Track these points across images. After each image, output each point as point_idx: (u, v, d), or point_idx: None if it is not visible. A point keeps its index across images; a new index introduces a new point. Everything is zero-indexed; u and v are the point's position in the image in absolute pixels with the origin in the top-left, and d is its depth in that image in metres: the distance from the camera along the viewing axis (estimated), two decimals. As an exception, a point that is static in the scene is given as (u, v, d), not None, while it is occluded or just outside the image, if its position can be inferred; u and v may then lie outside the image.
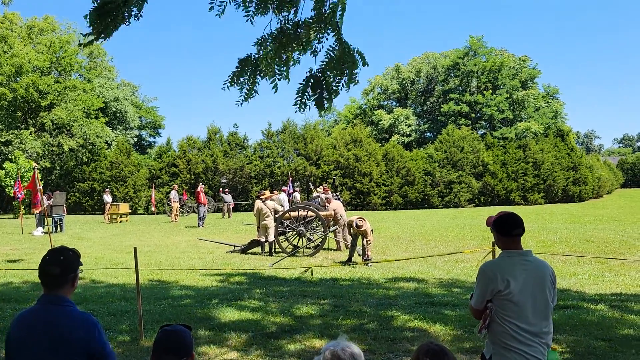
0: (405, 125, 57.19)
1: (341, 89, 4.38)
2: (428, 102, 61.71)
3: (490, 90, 55.28)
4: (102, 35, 4.30)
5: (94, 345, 2.66)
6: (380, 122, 58.07)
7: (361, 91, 65.42)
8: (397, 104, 62.30)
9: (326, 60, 4.26)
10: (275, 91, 4.33)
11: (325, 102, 4.43)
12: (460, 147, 41.37)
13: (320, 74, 4.36)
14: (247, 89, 4.35)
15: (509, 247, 3.44)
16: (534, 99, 56.15)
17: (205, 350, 6.09)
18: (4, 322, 7.37)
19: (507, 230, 3.44)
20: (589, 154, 70.91)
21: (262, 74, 4.30)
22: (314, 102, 4.39)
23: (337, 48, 4.22)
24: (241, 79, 4.32)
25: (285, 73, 4.35)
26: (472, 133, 44.44)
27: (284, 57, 4.30)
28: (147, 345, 6.28)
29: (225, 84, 4.29)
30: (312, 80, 4.37)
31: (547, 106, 57.72)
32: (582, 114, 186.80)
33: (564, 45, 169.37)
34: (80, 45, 4.59)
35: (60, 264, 2.77)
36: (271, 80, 4.27)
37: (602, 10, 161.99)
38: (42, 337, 2.66)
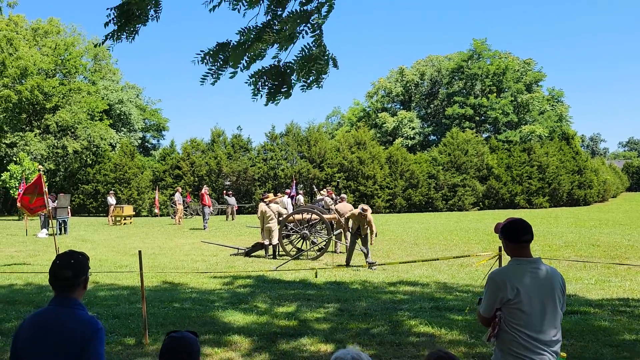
0: (409, 128, 57.15)
1: (304, 89, 4.38)
2: (432, 105, 61.68)
3: (495, 94, 55.19)
4: (126, 36, 4.34)
5: (86, 348, 2.67)
6: (384, 125, 58.04)
7: (365, 94, 65.51)
8: (401, 107, 62.28)
9: (300, 56, 4.24)
10: (232, 77, 4.32)
11: (280, 95, 4.42)
12: (464, 150, 41.30)
13: (286, 68, 4.35)
14: (214, 71, 4.35)
15: (518, 254, 3.40)
16: (539, 102, 56.04)
17: (210, 354, 6.07)
18: (7, 325, 7.35)
19: (516, 236, 3.40)
20: (594, 157, 70.72)
21: (232, 63, 4.28)
22: (266, 91, 4.39)
23: (314, 48, 4.20)
24: (212, 60, 4.30)
25: (247, 63, 4.35)
26: (477, 136, 44.39)
27: (257, 51, 4.29)
28: (151, 348, 6.26)
29: (196, 57, 4.27)
30: (274, 71, 4.36)
31: (551, 109, 57.62)
32: (587, 117, 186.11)
33: (569, 48, 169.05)
34: (98, 45, 4.62)
35: (72, 268, 2.82)
36: (233, 68, 4.27)
37: (607, 13, 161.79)
38: (50, 338, 2.70)
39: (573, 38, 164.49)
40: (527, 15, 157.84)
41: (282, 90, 4.38)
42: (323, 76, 4.29)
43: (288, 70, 4.32)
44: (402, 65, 63.01)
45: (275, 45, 4.21)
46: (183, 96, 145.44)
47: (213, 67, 4.28)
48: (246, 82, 4.30)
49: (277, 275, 11.51)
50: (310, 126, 41.56)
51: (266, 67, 4.34)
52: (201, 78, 4.30)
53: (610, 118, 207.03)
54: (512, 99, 55.00)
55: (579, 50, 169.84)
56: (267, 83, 4.35)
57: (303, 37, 4.13)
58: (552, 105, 58.83)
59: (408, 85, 61.35)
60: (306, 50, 4.20)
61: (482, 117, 55.92)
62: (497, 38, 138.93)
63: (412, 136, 56.94)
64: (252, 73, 4.31)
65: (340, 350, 2.41)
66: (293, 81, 4.38)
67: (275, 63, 4.33)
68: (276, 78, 4.32)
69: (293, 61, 4.28)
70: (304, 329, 7.10)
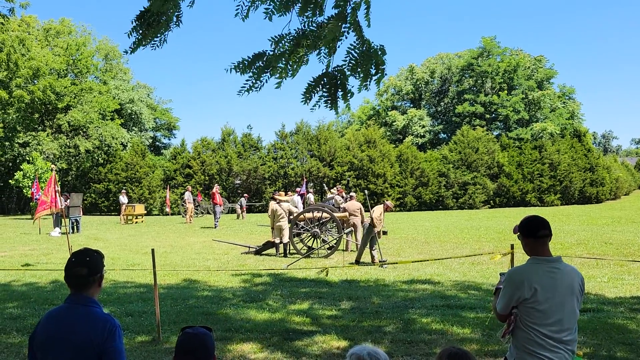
0: (419, 126, 57.01)
1: (367, 87, 4.33)
2: (442, 103, 61.47)
3: (506, 91, 54.90)
4: (149, 44, 4.37)
5: (107, 346, 2.71)
6: (394, 123, 57.94)
7: (375, 92, 65.39)
8: (411, 105, 62.12)
9: (347, 59, 4.21)
10: (278, 87, 4.31)
11: (341, 100, 4.38)
12: (475, 148, 41.13)
13: (337, 73, 4.32)
14: (252, 82, 4.35)
15: (537, 252, 3.36)
16: (550, 99, 55.69)
17: (224, 350, 6.10)
18: (23, 322, 7.45)
19: (532, 231, 3.36)
20: (606, 154, 70.14)
21: (271, 72, 4.28)
22: (324, 102, 4.35)
23: (358, 46, 4.18)
24: (248, 71, 4.31)
25: (292, 72, 4.33)
26: (487, 134, 44.19)
27: (299, 57, 4.27)
28: (165, 346, 6.31)
29: (230, 66, 4.27)
30: (325, 79, 4.33)
31: (563, 107, 57.25)
32: (600, 114, 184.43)
33: (581, 44, 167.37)
34: (126, 52, 4.62)
35: (87, 265, 2.84)
36: (277, 78, 4.26)
37: (618, 9, 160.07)
38: (67, 336, 2.73)
39: (584, 34, 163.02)
40: (538, 12, 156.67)
41: (339, 95, 4.35)
42: (382, 67, 4.24)
43: (340, 75, 4.29)
44: (412, 63, 62.89)
45: (319, 51, 4.18)
46: (193, 96, 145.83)
47: (252, 78, 4.28)
48: (301, 101, 4.29)
49: (288, 274, 11.55)
50: (320, 125, 41.62)
51: (316, 77, 4.31)
52: (239, 89, 4.32)
53: (623, 115, 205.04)
54: (523, 96, 54.69)
55: (591, 47, 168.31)
56: (321, 93, 4.31)
57: (346, 38, 4.12)
58: (564, 102, 58.46)
59: (418, 83, 61.18)
60: (352, 52, 4.18)
61: (493, 115, 55.66)
62: (509, 35, 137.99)
63: (422, 134, 56.79)
64: (305, 89, 4.29)
65: (356, 347, 2.43)
66: (352, 85, 4.35)
67: (325, 70, 4.31)
68: (330, 85, 4.29)
69: (342, 63, 4.26)
70: (316, 326, 7.12)
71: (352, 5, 4.04)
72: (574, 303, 3.30)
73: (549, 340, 3.22)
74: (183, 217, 29.44)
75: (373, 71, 4.24)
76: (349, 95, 4.39)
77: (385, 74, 4.30)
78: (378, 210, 13.17)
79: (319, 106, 4.37)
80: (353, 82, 4.36)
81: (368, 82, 4.29)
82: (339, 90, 4.34)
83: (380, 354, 2.36)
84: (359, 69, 4.20)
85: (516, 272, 3.40)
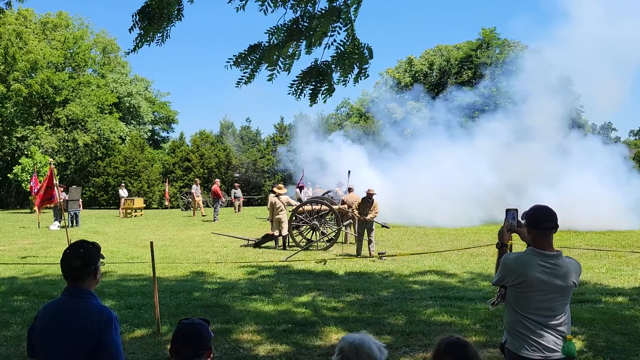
0: (418, 118, 56.87)
1: (347, 84, 4.36)
2: (441, 95, 61.31)
3: (504, 83, 54.76)
4: (153, 39, 4.36)
5: (102, 338, 2.71)
6: (393, 116, 57.79)
7: (373, 84, 65.19)
8: (410, 97, 61.93)
9: (335, 55, 4.22)
10: (269, 80, 4.34)
11: (321, 95, 4.41)
12: (473, 140, 41.08)
13: (324, 67, 4.33)
14: (249, 73, 4.37)
15: (537, 243, 3.32)
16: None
17: (223, 344, 6.12)
18: (22, 315, 7.46)
19: (537, 222, 3.32)
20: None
21: (265, 62, 4.29)
22: (309, 93, 4.38)
23: (347, 43, 4.19)
24: (245, 63, 4.33)
25: (287, 65, 4.35)
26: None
27: (291, 49, 4.28)
28: (164, 338, 6.32)
29: (229, 62, 4.29)
30: (314, 72, 4.35)
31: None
32: (598, 106, 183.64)
33: (579, 35, 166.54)
34: (129, 52, 4.59)
35: (81, 257, 2.84)
36: (271, 70, 4.28)
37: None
38: (64, 328, 2.74)
39: (582, 25, 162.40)
40: (538, 4, 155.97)
41: (324, 88, 4.36)
42: (365, 66, 4.25)
43: (327, 69, 4.30)
44: (411, 55, 62.64)
45: (308, 44, 4.18)
46: (192, 88, 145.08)
47: (247, 70, 4.28)
48: (289, 93, 4.31)
49: (288, 266, 11.56)
50: (319, 117, 41.51)
51: (305, 69, 4.33)
52: (237, 82, 4.34)
53: (623, 106, 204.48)
54: (522, 88, 54.51)
55: (588, 38, 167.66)
56: (308, 84, 4.33)
57: (339, 33, 4.12)
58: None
59: (417, 75, 61.00)
60: (341, 47, 4.18)
61: (492, 107, 55.55)
62: (508, 26, 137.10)
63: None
64: (294, 79, 4.31)
65: (350, 335, 2.44)
66: (334, 79, 4.36)
67: (313, 64, 4.32)
68: (316, 78, 4.30)
69: (330, 59, 4.27)
70: (316, 318, 7.14)
71: (343, 1, 4.05)
72: (565, 294, 3.28)
73: (537, 324, 3.24)
74: (182, 210, 29.42)
75: (356, 69, 4.26)
76: (331, 91, 4.42)
77: (368, 76, 4.31)
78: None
79: (304, 96, 4.41)
80: (337, 79, 4.40)
81: (348, 79, 4.31)
82: (324, 84, 4.37)
83: (366, 343, 2.36)
84: (344, 65, 4.22)
85: (510, 258, 3.41)
